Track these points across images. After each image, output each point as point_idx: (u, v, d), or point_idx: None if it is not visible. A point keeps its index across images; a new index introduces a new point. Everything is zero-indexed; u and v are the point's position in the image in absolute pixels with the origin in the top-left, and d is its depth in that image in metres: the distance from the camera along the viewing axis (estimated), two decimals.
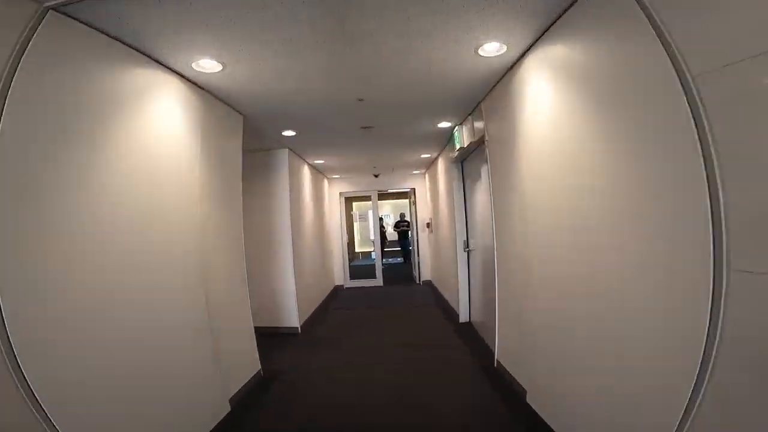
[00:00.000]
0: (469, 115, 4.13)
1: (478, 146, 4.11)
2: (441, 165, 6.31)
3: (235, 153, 3.60)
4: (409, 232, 11.82)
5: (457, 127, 4.44)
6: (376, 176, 8.33)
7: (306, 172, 6.35)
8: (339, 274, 8.59)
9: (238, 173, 3.62)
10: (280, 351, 4.54)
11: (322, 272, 7.33)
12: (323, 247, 7.59)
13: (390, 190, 14.49)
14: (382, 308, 6.48)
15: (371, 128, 4.50)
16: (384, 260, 12.33)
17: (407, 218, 12.07)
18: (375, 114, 3.98)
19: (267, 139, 4.73)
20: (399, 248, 12.59)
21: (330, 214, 8.48)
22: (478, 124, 3.88)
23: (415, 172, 8.28)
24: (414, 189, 8.68)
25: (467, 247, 5.09)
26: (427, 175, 8.24)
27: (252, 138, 4.60)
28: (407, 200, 15.02)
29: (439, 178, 6.50)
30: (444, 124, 4.53)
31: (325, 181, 8.21)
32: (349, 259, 14.34)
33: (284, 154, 5.22)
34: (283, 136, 4.62)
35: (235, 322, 3.38)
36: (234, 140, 3.59)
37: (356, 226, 15.06)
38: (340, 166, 7.08)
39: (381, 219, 11.20)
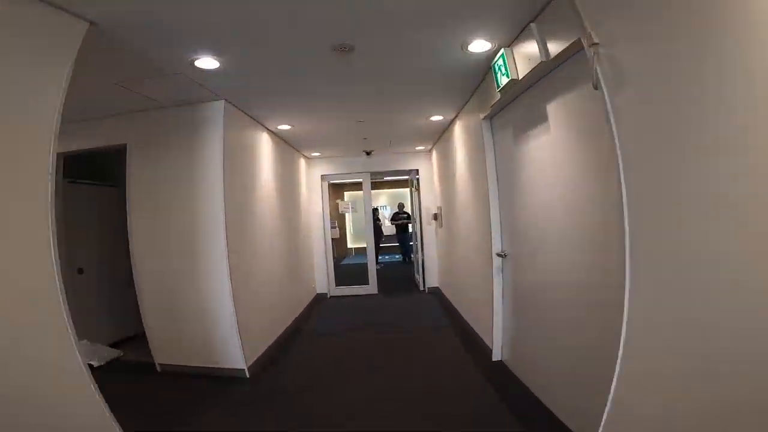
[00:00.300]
0: (532, 22, 2.24)
1: (553, 70, 2.24)
2: (459, 131, 4.43)
3: (39, 85, 1.70)
4: (410, 225, 10.01)
5: (503, 51, 2.55)
6: (368, 154, 6.43)
7: (265, 143, 4.45)
8: (321, 279, 6.73)
9: (46, 122, 1.72)
10: (201, 415, 2.72)
11: (295, 280, 5.47)
12: (298, 245, 5.72)
13: (386, 177, 12.66)
14: (375, 334, 4.62)
15: (351, 51, 2.60)
16: (380, 257, 10.51)
17: (407, 209, 10.21)
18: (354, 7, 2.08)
19: (178, 80, 2.82)
20: (397, 243, 10.69)
21: (309, 203, 6.60)
22: (555, 44, 2.03)
23: (419, 148, 6.39)
24: (417, 171, 6.80)
25: (503, 252, 3.24)
26: (434, 153, 6.36)
27: (147, 77, 2.72)
28: (407, 189, 13.17)
29: (456, 149, 4.63)
30: (479, 46, 2.63)
31: (302, 161, 6.31)
32: (339, 258, 12.52)
33: (217, 110, 3.32)
34: (201, 70, 2.71)
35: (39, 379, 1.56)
36: (37, 60, 1.71)
37: (348, 217, 13.20)
38: (318, 135, 5.16)
39: (375, 210, 9.34)
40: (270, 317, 4.22)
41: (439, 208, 6.05)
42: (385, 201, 13.58)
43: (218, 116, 3.31)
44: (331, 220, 12.84)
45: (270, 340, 4.10)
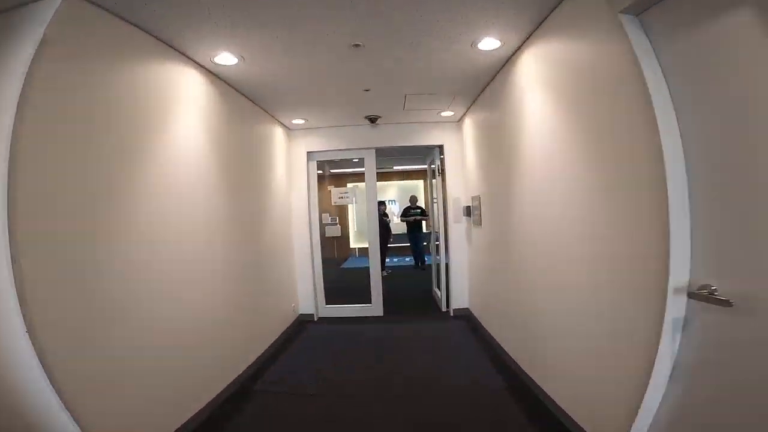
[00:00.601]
0: None
1: None
2: (535, 65, 2.54)
3: None
4: (423, 223, 8.14)
5: None
6: (372, 121, 4.56)
7: (189, 88, 2.60)
8: (307, 294, 4.88)
9: None
10: None
11: (258, 303, 3.66)
12: (270, 251, 3.90)
13: (396, 167, 10.73)
14: (377, 411, 2.76)
15: None
16: (387, 261, 8.58)
17: (420, 203, 8.34)
18: None
19: None
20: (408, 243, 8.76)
21: (290, 192, 4.75)
22: None
23: (445, 114, 4.49)
24: (441, 147, 4.90)
25: (707, 289, 1.35)
26: (467, 122, 4.46)
27: None
28: (419, 181, 11.26)
29: (523, 102, 2.73)
30: None
31: (279, 131, 4.46)
32: (340, 260, 10.60)
33: (41, 11, 1.47)
34: None
35: None
36: None
37: (351, 211, 11.34)
38: (292, 79, 3.27)
39: (382, 203, 7.48)
40: (188, 379, 2.40)
41: (476, 198, 4.17)
42: (393, 195, 11.69)
43: (40, 20, 1.46)
44: (331, 215, 10.86)
45: (183, 416, 2.29)
